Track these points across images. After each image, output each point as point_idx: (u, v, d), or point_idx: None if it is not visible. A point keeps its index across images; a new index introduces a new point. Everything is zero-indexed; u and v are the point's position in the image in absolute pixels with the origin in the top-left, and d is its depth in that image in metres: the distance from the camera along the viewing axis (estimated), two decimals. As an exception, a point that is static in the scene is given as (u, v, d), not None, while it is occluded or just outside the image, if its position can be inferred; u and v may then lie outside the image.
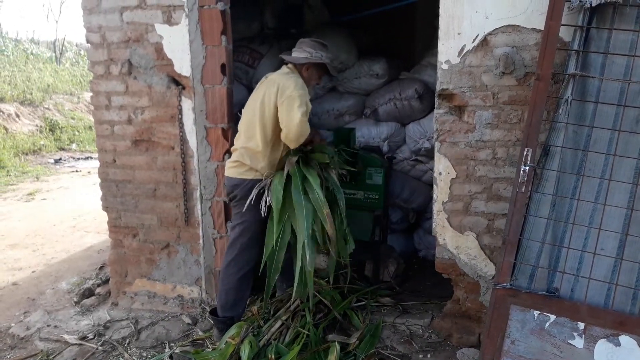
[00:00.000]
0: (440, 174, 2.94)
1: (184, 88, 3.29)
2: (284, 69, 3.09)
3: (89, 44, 3.44)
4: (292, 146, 2.90)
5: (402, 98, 3.91)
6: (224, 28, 3.18)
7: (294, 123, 2.77)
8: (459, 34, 2.75)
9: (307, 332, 2.91)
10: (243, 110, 3.10)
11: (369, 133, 4.13)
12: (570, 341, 2.13)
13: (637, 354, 2.06)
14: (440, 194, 2.96)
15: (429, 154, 3.89)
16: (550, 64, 2.29)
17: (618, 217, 2.21)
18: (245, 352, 2.64)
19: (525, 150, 2.27)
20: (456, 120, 2.87)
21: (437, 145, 2.92)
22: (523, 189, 2.26)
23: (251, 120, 2.97)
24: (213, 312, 3.08)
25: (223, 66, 3.21)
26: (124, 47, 3.35)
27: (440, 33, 2.79)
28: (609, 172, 2.25)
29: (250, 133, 2.96)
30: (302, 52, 3.06)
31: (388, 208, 4.03)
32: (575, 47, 2.38)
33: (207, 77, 3.24)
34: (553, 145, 2.34)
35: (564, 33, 2.50)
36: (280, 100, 2.84)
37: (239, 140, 3.03)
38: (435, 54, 2.90)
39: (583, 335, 2.12)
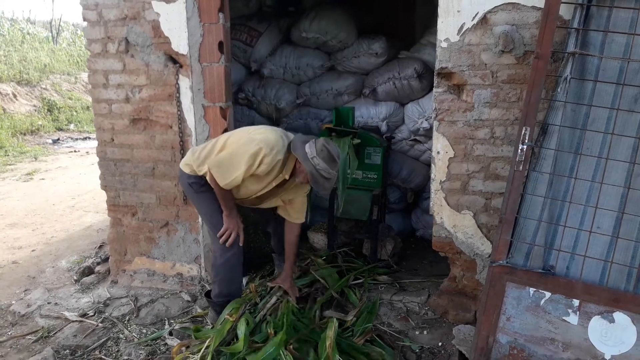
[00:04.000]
0: (438, 153, 2.94)
1: (181, 66, 3.28)
2: (287, 146, 2.72)
3: (85, 22, 3.41)
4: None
5: (401, 77, 3.89)
6: (221, 5, 3.15)
7: (213, 161, 2.71)
8: (458, 11, 2.73)
9: (297, 307, 2.96)
10: None
11: (367, 113, 4.12)
12: (565, 318, 2.15)
13: (631, 330, 2.08)
14: (438, 173, 2.96)
15: (428, 134, 3.89)
16: (550, 43, 2.27)
17: (615, 195, 2.22)
18: (241, 328, 2.67)
19: (524, 129, 2.26)
20: (455, 99, 2.86)
21: (435, 124, 2.92)
22: (521, 167, 2.26)
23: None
24: (208, 294, 3.07)
25: (221, 44, 3.19)
26: (121, 25, 3.32)
27: (440, 11, 2.77)
28: (606, 150, 2.25)
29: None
30: (309, 147, 2.64)
31: (386, 187, 4.05)
32: (575, 25, 2.37)
33: (204, 55, 3.22)
34: (551, 124, 2.33)
35: (564, 11, 2.48)
36: (227, 139, 2.76)
37: None
38: (435, 33, 2.87)
39: (578, 312, 2.14)
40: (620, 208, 2.20)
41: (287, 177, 2.76)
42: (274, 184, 2.80)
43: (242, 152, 2.63)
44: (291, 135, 2.81)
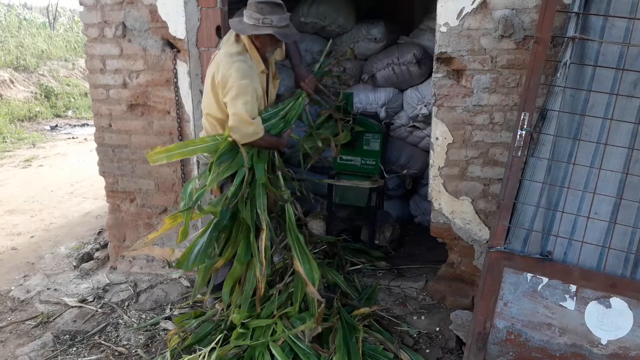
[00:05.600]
0: (437, 139, 2.94)
1: (179, 51, 3.25)
2: (232, 42, 2.70)
3: (82, 6, 3.38)
4: (239, 141, 2.69)
5: (400, 63, 3.87)
6: (219, -11, 3.12)
7: (236, 119, 2.63)
8: (458, -5, 2.71)
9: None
10: None
11: (366, 99, 4.10)
12: (562, 303, 2.16)
13: (627, 315, 2.09)
14: (436, 159, 2.96)
15: (427, 120, 3.87)
16: (550, 27, 2.25)
17: (613, 181, 2.22)
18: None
19: (522, 114, 2.25)
20: (454, 85, 2.84)
21: (434, 110, 2.91)
22: (519, 153, 2.26)
23: (203, 99, 2.85)
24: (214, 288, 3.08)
25: (218, 28, 3.16)
26: (118, 9, 3.29)
27: (439, -6, 2.75)
28: (605, 136, 2.24)
29: (204, 111, 2.85)
30: (249, 18, 2.60)
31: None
32: (576, 9, 2.34)
33: (202, 39, 3.20)
34: (550, 110, 2.32)
35: (565, -5, 2.46)
36: (224, 92, 2.64)
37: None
38: (435, 18, 2.85)
39: (575, 298, 2.15)
40: (619, 194, 2.20)
41: (264, 68, 2.76)
42: (269, 82, 2.88)
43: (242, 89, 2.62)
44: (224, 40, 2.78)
